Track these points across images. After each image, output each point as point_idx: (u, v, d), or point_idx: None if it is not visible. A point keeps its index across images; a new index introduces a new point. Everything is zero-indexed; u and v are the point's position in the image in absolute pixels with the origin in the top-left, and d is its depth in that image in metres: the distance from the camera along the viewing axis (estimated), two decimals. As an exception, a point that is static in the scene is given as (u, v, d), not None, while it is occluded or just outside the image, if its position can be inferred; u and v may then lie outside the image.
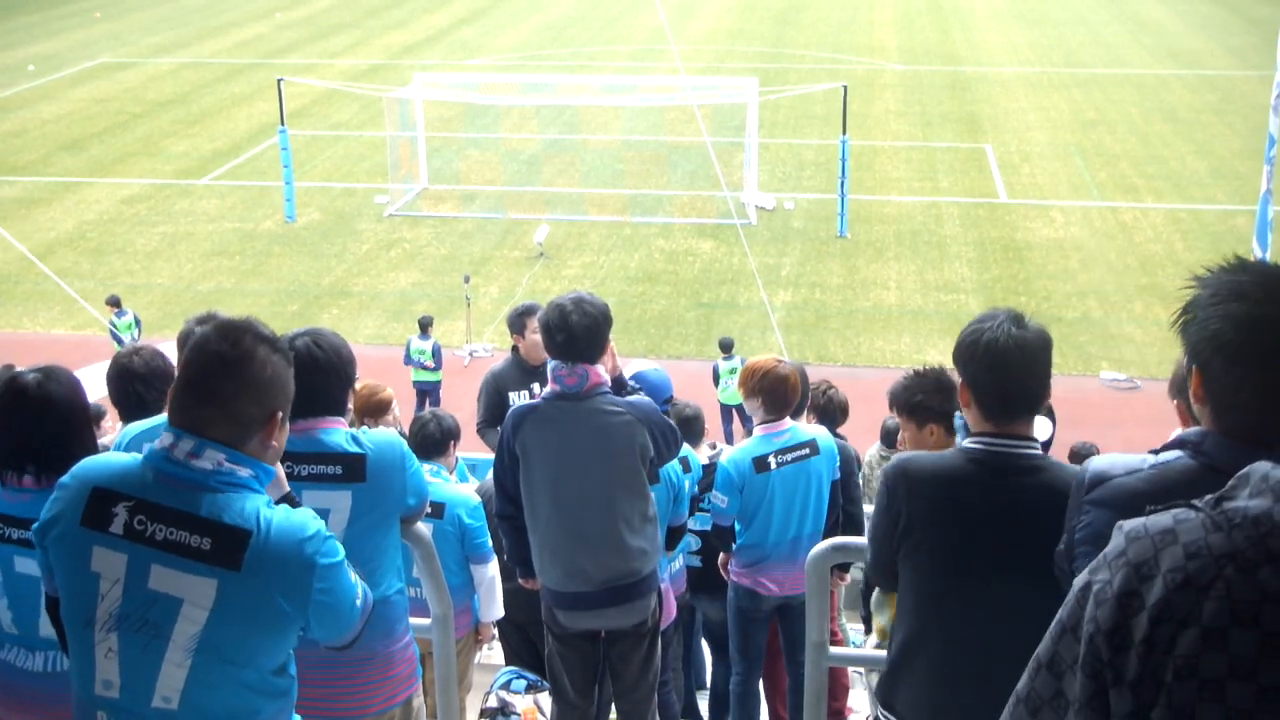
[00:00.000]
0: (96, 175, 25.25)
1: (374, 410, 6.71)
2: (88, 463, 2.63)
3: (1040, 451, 3.03)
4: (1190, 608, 1.53)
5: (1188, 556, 1.56)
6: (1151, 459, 2.37)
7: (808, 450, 5.60)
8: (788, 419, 5.68)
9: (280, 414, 2.61)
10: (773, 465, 5.59)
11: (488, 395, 6.87)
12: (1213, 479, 2.25)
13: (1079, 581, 1.69)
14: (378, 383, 6.97)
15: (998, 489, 2.97)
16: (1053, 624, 1.74)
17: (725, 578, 5.90)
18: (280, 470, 2.87)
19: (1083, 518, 2.43)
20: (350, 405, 3.55)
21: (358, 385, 6.88)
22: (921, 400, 4.45)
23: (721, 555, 5.92)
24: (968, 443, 3.07)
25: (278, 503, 2.63)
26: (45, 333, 18.00)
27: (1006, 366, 2.94)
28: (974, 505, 2.98)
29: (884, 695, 3.33)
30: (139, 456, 2.59)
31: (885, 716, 3.33)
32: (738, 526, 5.77)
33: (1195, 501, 1.62)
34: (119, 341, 14.91)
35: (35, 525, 2.63)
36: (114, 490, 2.52)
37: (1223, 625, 1.50)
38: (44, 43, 37.95)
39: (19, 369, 3.39)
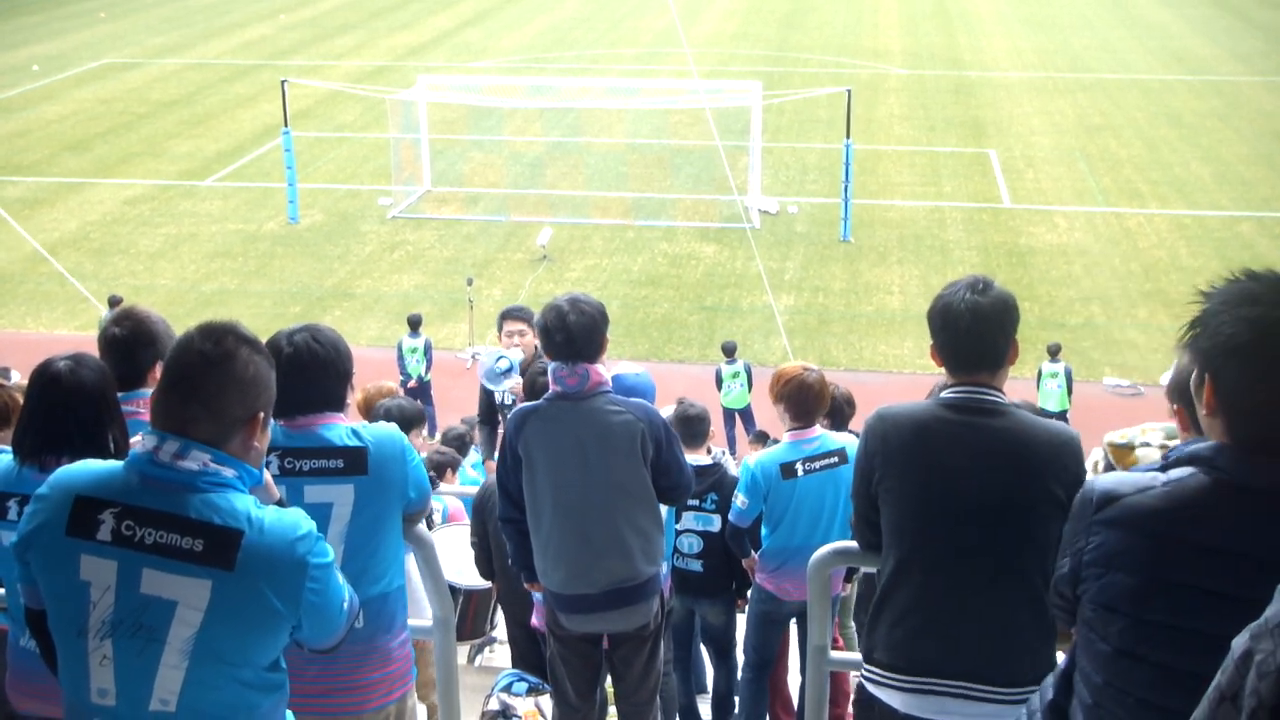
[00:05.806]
0: (100, 176, 25.27)
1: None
2: (66, 471, 2.61)
3: (1004, 399, 3.22)
4: None
5: None
6: (1162, 476, 2.26)
7: (836, 459, 5.58)
8: (817, 426, 5.68)
9: (262, 415, 2.61)
10: (800, 472, 5.59)
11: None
12: (1229, 494, 2.16)
13: (1238, 647, 1.59)
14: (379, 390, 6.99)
15: (961, 425, 3.20)
16: (1210, 689, 1.64)
17: (751, 579, 5.94)
18: (268, 475, 2.87)
19: (1092, 539, 2.31)
20: (350, 401, 3.56)
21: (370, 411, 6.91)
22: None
23: (745, 560, 5.94)
24: (941, 393, 3.32)
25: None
26: (48, 333, 18.00)
27: (958, 328, 3.23)
28: (941, 442, 3.21)
29: (866, 645, 3.43)
30: (118, 463, 2.59)
31: (867, 672, 3.36)
32: (765, 530, 5.78)
33: None
34: None
35: (14, 540, 2.62)
36: (98, 497, 2.51)
37: None
38: (48, 43, 38.00)
39: (50, 357, 3.44)
